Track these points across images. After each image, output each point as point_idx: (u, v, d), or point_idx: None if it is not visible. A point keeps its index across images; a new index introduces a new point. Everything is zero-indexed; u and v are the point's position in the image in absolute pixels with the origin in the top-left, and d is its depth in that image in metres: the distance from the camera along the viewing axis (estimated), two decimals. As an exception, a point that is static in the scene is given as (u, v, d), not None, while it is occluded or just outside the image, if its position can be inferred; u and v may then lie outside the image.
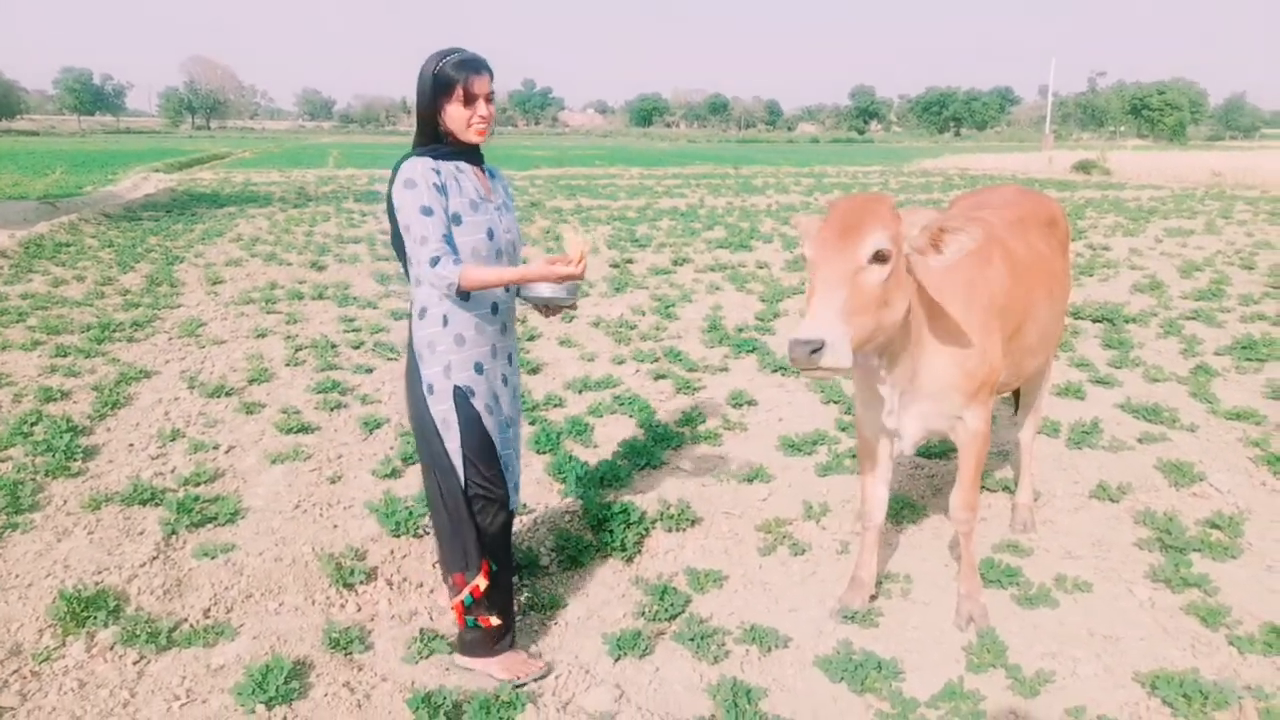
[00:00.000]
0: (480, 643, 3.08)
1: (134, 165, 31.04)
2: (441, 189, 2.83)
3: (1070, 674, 3.10)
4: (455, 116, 2.85)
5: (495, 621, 3.05)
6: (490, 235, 2.92)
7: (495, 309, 2.98)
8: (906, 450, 3.25)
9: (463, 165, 2.93)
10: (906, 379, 3.04)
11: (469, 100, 2.83)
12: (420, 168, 2.82)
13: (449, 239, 2.81)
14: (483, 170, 3.02)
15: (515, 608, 3.28)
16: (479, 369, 2.97)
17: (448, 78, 2.81)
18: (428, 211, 2.78)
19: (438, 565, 3.83)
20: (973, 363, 3.06)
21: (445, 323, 2.92)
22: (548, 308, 3.09)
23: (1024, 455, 4.24)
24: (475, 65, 2.83)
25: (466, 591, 3.00)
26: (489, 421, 3.00)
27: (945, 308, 3.02)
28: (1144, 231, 15.53)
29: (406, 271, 2.96)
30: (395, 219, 2.87)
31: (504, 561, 3.11)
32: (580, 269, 2.81)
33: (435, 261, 2.77)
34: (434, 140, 2.90)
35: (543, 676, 3.07)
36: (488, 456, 2.99)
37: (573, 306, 3.07)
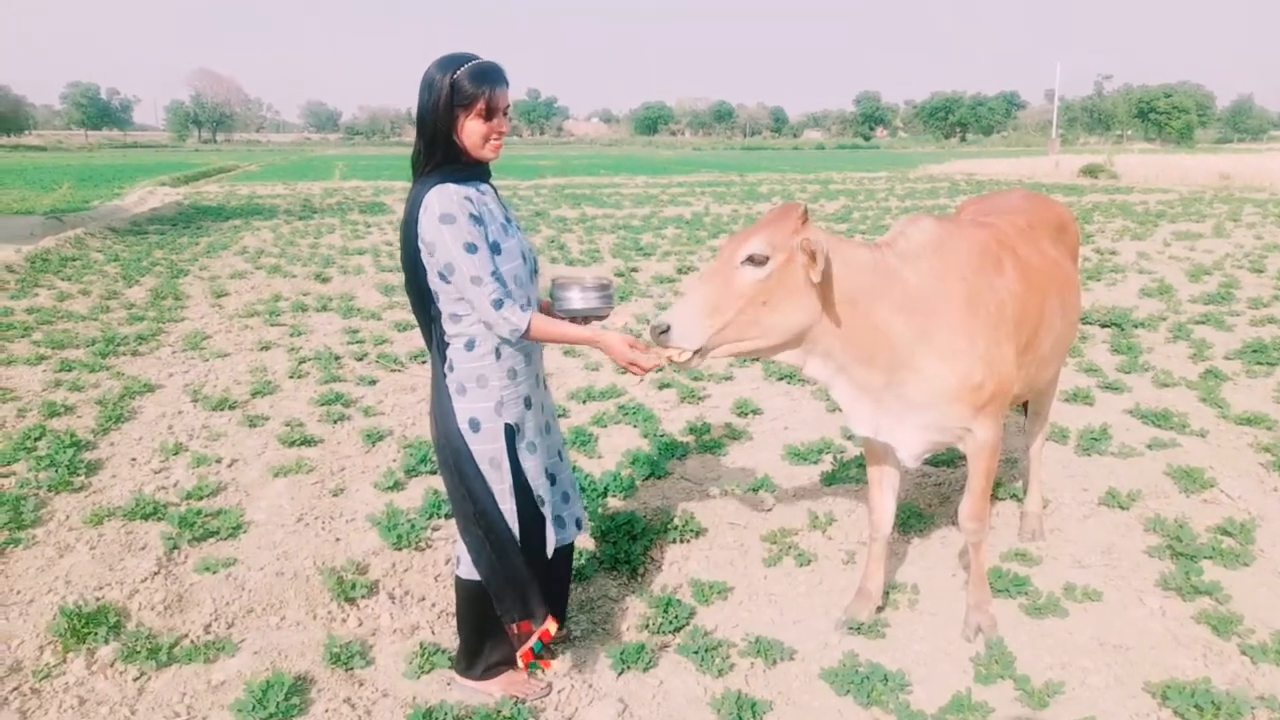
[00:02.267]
0: (505, 659, 2.99)
1: (140, 179, 31.24)
2: (478, 219, 2.62)
3: (1080, 684, 3.05)
4: (473, 132, 2.61)
5: (555, 664, 3.06)
6: (525, 258, 2.76)
7: None
8: (908, 463, 3.20)
9: (484, 187, 2.73)
10: (879, 389, 2.99)
11: (490, 115, 2.61)
12: (455, 198, 2.57)
13: (497, 275, 2.61)
14: (492, 187, 2.82)
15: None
16: (528, 404, 2.80)
17: (468, 91, 2.56)
18: (472, 249, 2.56)
19: (439, 579, 3.82)
20: (979, 375, 2.99)
21: (498, 356, 2.71)
22: (585, 319, 2.89)
23: (1032, 463, 4.19)
24: (497, 76, 2.61)
25: (535, 639, 2.83)
26: (529, 462, 2.81)
27: (945, 319, 2.95)
28: (1152, 235, 15.46)
29: (422, 303, 2.75)
30: (411, 248, 2.65)
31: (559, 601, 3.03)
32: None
33: (499, 305, 2.58)
34: (447, 158, 2.64)
35: (543, 696, 3.03)
36: (529, 503, 2.82)
37: (605, 315, 2.91)
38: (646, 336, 2.77)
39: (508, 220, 2.80)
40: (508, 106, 2.67)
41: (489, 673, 3.02)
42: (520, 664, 2.92)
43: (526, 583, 2.81)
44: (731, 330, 2.73)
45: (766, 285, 2.72)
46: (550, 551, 2.91)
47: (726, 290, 2.72)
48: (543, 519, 2.87)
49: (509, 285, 2.67)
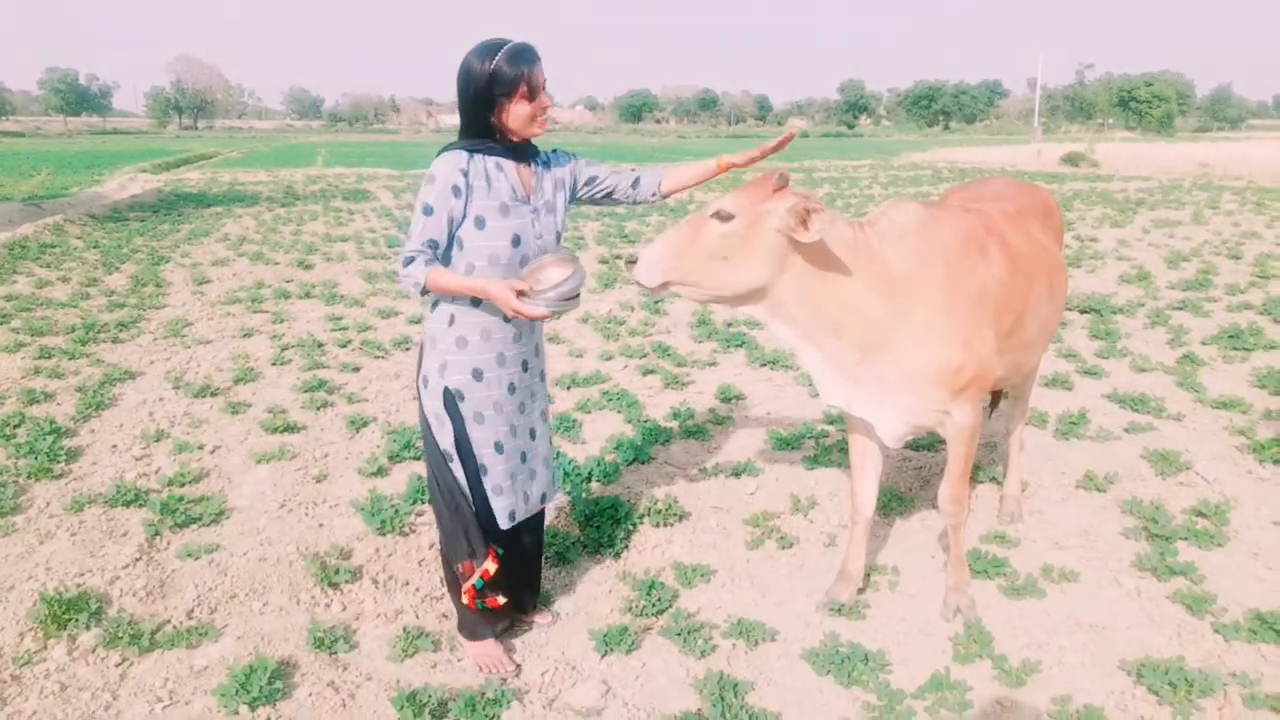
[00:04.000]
0: (483, 623, 3.11)
1: (120, 166, 30.86)
2: (465, 190, 2.73)
3: (1057, 663, 3.09)
4: (519, 114, 2.73)
5: (503, 601, 3.09)
6: (516, 242, 2.81)
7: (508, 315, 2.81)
8: (889, 444, 3.23)
9: (504, 162, 2.81)
10: (852, 365, 3.02)
11: (533, 95, 2.72)
12: (447, 165, 2.73)
13: (438, 243, 2.74)
14: (531, 166, 2.89)
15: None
16: (477, 375, 2.89)
17: (508, 75, 2.66)
18: (428, 211, 2.73)
19: (423, 563, 3.83)
20: (958, 358, 3.01)
21: (451, 321, 2.87)
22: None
23: (1012, 446, 4.24)
24: (532, 55, 2.71)
25: (477, 576, 3.00)
26: (476, 432, 2.92)
27: (925, 301, 2.98)
28: (1132, 222, 15.58)
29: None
30: None
31: (507, 547, 3.13)
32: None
33: (409, 261, 2.74)
34: (482, 134, 2.77)
35: (510, 678, 3.05)
36: (470, 462, 2.95)
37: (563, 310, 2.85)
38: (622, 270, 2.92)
39: (516, 200, 2.82)
40: (545, 81, 2.77)
41: (479, 635, 3.13)
42: (466, 601, 3.04)
43: (468, 524, 2.99)
44: (690, 275, 2.88)
45: (728, 242, 2.84)
46: (503, 522, 3.01)
47: (693, 239, 2.87)
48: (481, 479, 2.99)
49: (480, 261, 2.78)
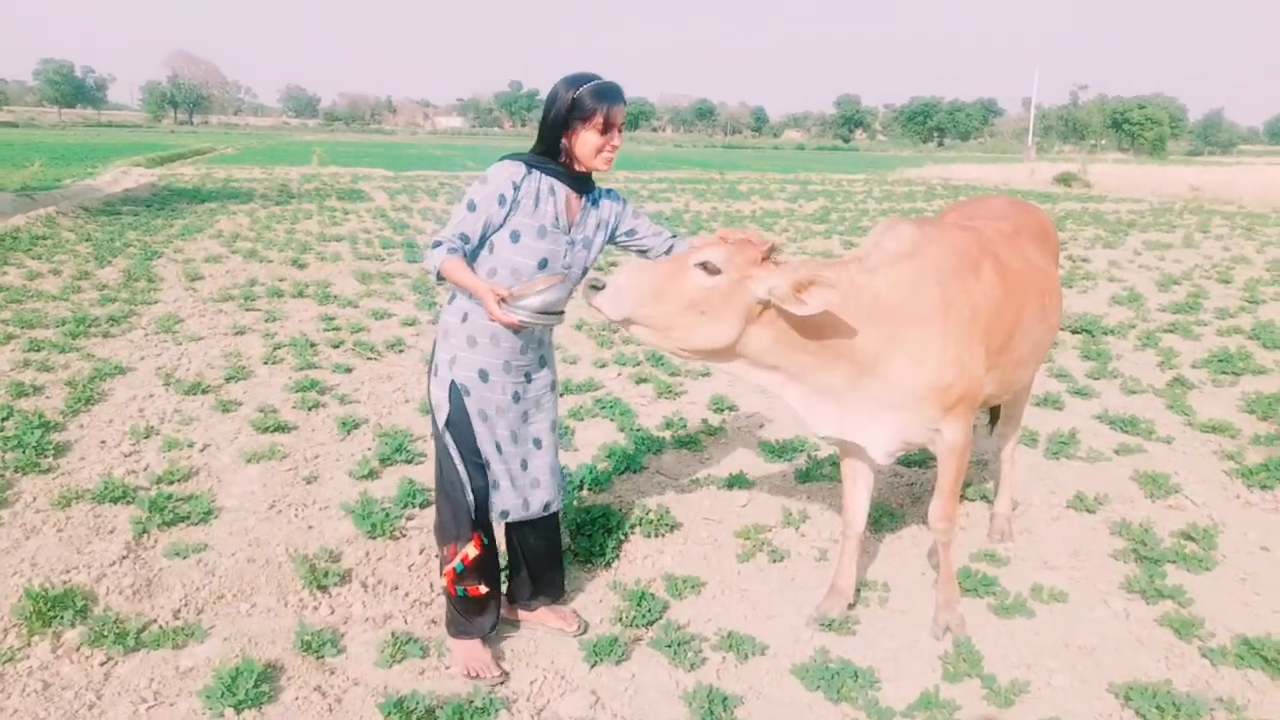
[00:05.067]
0: (467, 613, 3.12)
1: (114, 159, 30.75)
2: (512, 202, 2.84)
3: (1045, 684, 3.10)
4: (588, 142, 2.84)
5: (484, 589, 3.09)
6: (543, 264, 2.90)
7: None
8: (878, 460, 3.24)
9: (558, 186, 2.91)
10: (842, 390, 3.02)
11: (606, 129, 2.84)
12: (504, 173, 2.85)
13: (469, 238, 2.85)
14: (582, 199, 2.98)
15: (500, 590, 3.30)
16: (483, 376, 2.97)
17: (587, 105, 2.80)
18: (471, 207, 2.85)
19: (413, 568, 3.81)
20: (949, 376, 3.03)
21: (464, 319, 2.96)
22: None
23: (1004, 465, 4.25)
24: (615, 95, 2.83)
25: (458, 559, 3.02)
26: (480, 428, 2.99)
27: (917, 322, 2.99)
28: (1123, 244, 15.68)
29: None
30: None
31: (493, 539, 3.16)
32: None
33: (435, 245, 2.85)
34: (550, 154, 2.89)
35: (496, 685, 3.03)
36: (472, 455, 3.01)
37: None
38: (583, 291, 2.86)
39: (556, 227, 2.91)
40: (623, 124, 2.89)
41: (466, 633, 3.15)
42: (446, 584, 3.06)
43: (458, 508, 3.03)
44: (659, 320, 2.81)
45: (709, 296, 2.79)
46: (495, 517, 3.09)
47: (671, 283, 2.80)
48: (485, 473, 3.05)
49: (504, 270, 2.88)
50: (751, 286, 2.81)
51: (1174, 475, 4.85)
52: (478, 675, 3.05)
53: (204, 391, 6.02)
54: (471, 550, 3.03)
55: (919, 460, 5.01)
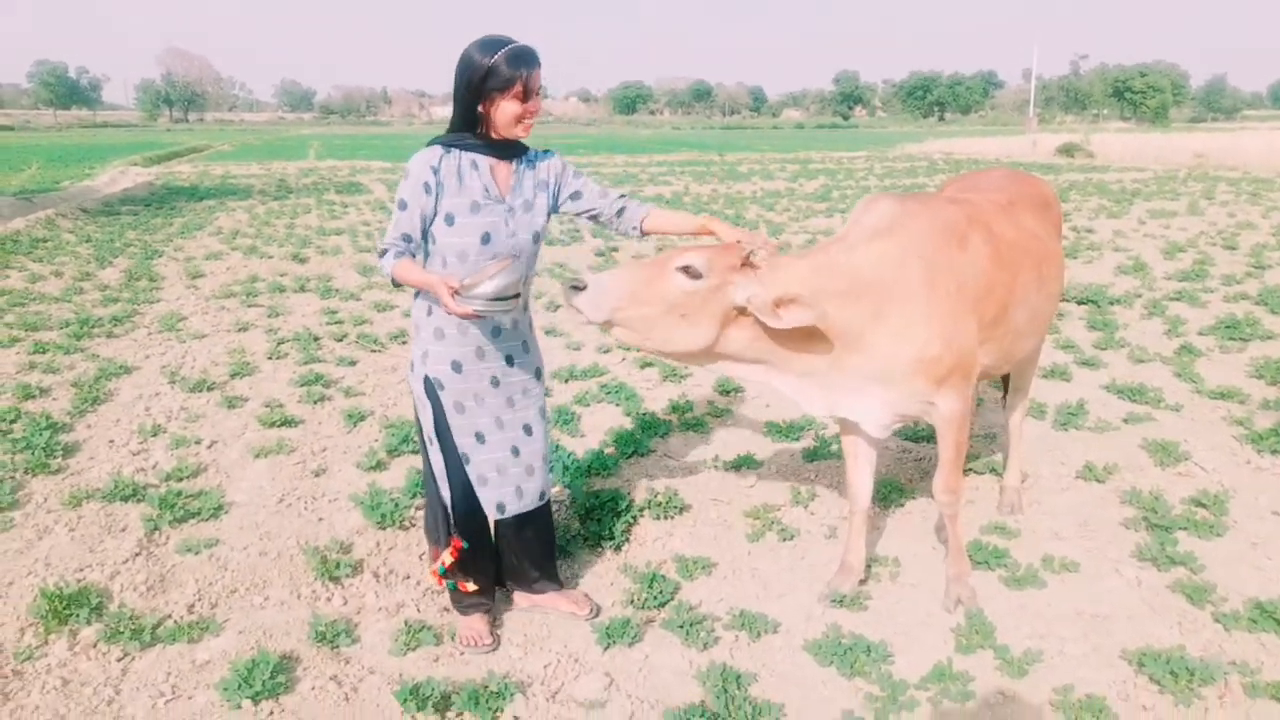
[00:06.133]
0: (458, 601, 3.25)
1: (111, 159, 30.74)
2: (436, 186, 2.81)
3: (1058, 653, 3.10)
4: (506, 111, 2.78)
5: (472, 587, 3.16)
6: (486, 239, 2.85)
7: None
8: (875, 434, 3.24)
9: (480, 160, 2.86)
10: (825, 371, 3.02)
11: (526, 96, 2.77)
12: (421, 161, 2.82)
13: (411, 237, 2.85)
14: (512, 164, 2.92)
15: (495, 577, 3.37)
16: (456, 367, 2.96)
17: (504, 73, 2.72)
18: (402, 206, 2.84)
19: (424, 557, 3.82)
20: (935, 349, 3.00)
21: (429, 312, 2.95)
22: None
23: (1012, 437, 4.23)
24: (533, 60, 2.76)
25: (439, 561, 3.12)
26: (458, 420, 2.99)
27: (900, 298, 2.97)
28: (1127, 213, 15.60)
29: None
30: None
31: (481, 539, 3.19)
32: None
33: (383, 253, 2.85)
34: (466, 127, 2.84)
35: (487, 652, 3.14)
36: (450, 450, 3.02)
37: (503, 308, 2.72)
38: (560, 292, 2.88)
39: (489, 199, 2.86)
40: (540, 89, 2.82)
41: (468, 610, 3.24)
42: (435, 582, 3.17)
43: (439, 509, 3.12)
44: (639, 323, 2.81)
45: (689, 300, 2.78)
46: (490, 513, 3.11)
47: (651, 286, 2.79)
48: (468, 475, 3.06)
49: (450, 256, 2.85)
50: (731, 292, 2.81)
51: (1183, 442, 4.84)
52: (470, 644, 3.15)
53: (209, 388, 6.03)
54: (448, 558, 3.08)
55: (927, 435, 5.00)
